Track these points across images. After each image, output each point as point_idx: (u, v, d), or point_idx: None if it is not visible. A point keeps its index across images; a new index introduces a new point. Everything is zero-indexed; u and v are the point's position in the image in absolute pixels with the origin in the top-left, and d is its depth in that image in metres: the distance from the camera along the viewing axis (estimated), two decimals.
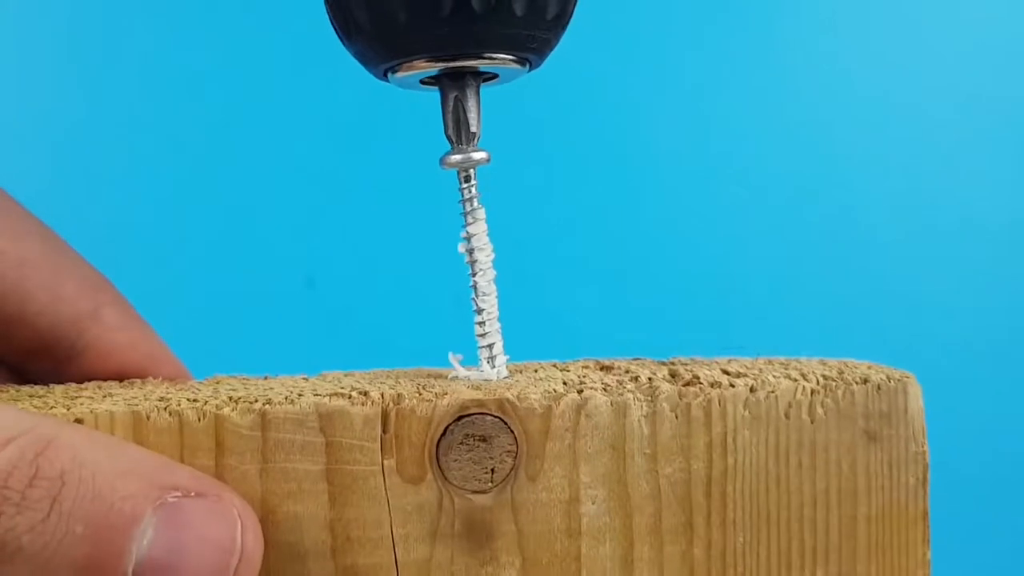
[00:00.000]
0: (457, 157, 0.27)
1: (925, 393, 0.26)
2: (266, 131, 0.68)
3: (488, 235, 0.27)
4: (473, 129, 0.27)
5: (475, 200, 0.27)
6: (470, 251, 0.27)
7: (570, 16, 0.26)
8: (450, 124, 0.27)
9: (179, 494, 0.21)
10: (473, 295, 0.27)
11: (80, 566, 0.20)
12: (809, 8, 0.73)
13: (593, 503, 0.24)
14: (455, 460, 0.24)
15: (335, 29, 0.26)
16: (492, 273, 0.27)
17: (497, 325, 0.27)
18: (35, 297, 0.30)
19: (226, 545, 0.21)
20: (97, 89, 0.68)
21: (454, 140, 0.27)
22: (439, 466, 0.24)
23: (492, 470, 0.24)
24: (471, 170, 0.27)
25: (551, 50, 0.26)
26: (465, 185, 0.27)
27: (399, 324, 0.66)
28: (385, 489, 0.23)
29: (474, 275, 0.27)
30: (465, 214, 0.27)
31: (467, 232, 0.27)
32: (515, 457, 0.24)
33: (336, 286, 0.69)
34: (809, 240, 0.72)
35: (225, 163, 0.69)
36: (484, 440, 0.24)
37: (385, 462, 0.23)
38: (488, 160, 0.27)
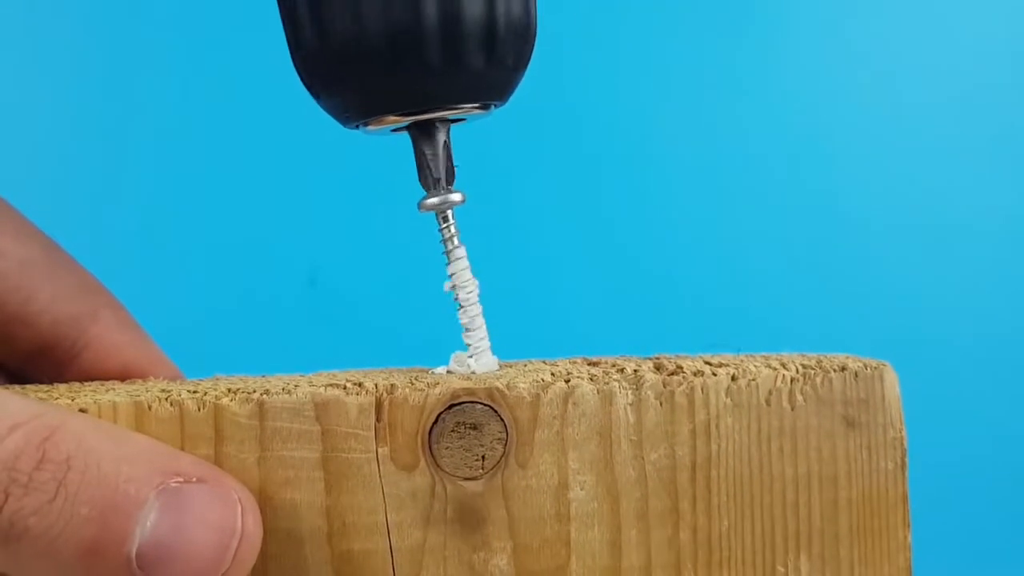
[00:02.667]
0: (434, 200, 0.27)
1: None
2: (267, 130, 0.69)
3: (471, 271, 0.28)
4: (447, 172, 0.27)
5: (455, 239, 0.28)
6: (455, 288, 0.28)
7: (531, 57, 0.27)
8: (423, 170, 0.27)
9: (181, 479, 0.22)
10: (463, 330, 0.28)
11: (85, 547, 0.21)
12: (805, 8, 0.73)
13: (581, 489, 0.25)
14: (447, 448, 0.24)
15: (305, 86, 0.27)
16: (479, 308, 0.28)
17: (489, 357, 0.28)
18: (37, 296, 0.30)
19: (227, 528, 0.22)
20: (97, 89, 0.69)
21: (429, 184, 0.27)
22: (431, 453, 0.24)
23: (483, 457, 0.25)
24: (448, 211, 0.28)
25: (514, 90, 0.27)
26: (444, 226, 0.28)
27: (399, 325, 0.67)
28: (379, 476, 0.24)
29: (461, 311, 0.28)
30: (446, 253, 0.28)
31: (450, 271, 0.28)
32: (505, 444, 0.25)
33: (337, 286, 0.69)
34: (800, 246, 0.72)
35: (225, 163, 0.69)
36: (475, 428, 0.25)
37: (379, 450, 0.24)
38: (464, 200, 0.27)
